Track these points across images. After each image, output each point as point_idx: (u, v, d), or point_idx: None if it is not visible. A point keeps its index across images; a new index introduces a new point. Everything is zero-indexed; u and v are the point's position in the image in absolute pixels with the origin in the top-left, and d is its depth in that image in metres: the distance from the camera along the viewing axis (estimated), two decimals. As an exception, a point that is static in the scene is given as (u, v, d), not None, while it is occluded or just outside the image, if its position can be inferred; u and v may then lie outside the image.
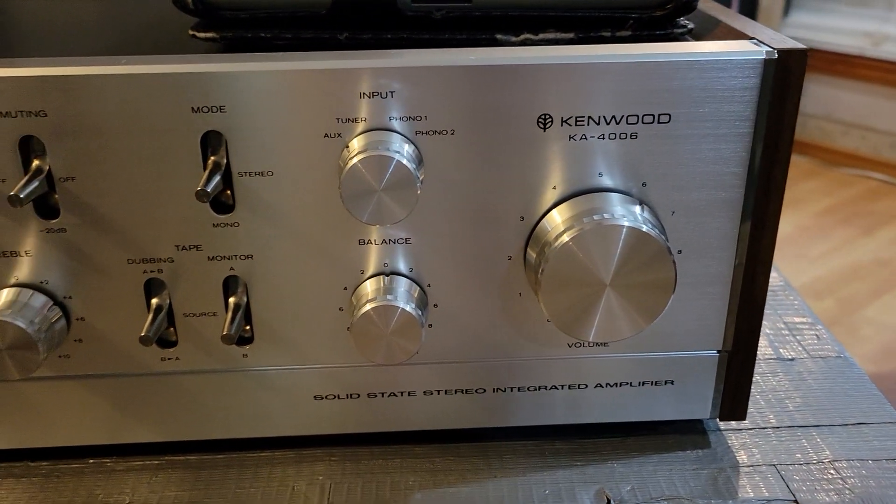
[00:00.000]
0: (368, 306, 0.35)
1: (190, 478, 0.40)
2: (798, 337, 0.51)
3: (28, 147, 0.34)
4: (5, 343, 0.34)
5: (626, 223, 0.33)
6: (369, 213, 0.32)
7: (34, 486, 0.39)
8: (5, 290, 0.36)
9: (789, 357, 0.49)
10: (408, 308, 0.35)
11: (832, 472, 0.40)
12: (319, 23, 0.37)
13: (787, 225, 2.14)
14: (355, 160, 0.32)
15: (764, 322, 0.51)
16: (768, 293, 0.38)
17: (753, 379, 0.45)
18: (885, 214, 2.28)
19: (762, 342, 0.50)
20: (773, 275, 0.56)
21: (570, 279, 0.34)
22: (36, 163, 0.34)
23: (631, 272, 0.34)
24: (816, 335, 0.51)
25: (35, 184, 0.33)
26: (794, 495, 0.38)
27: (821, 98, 2.58)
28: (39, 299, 0.36)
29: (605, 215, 0.34)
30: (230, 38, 0.37)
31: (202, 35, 0.37)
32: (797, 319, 0.52)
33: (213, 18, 0.37)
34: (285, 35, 0.37)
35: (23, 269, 0.36)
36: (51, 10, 0.47)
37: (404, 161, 0.32)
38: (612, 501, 0.38)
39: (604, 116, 0.34)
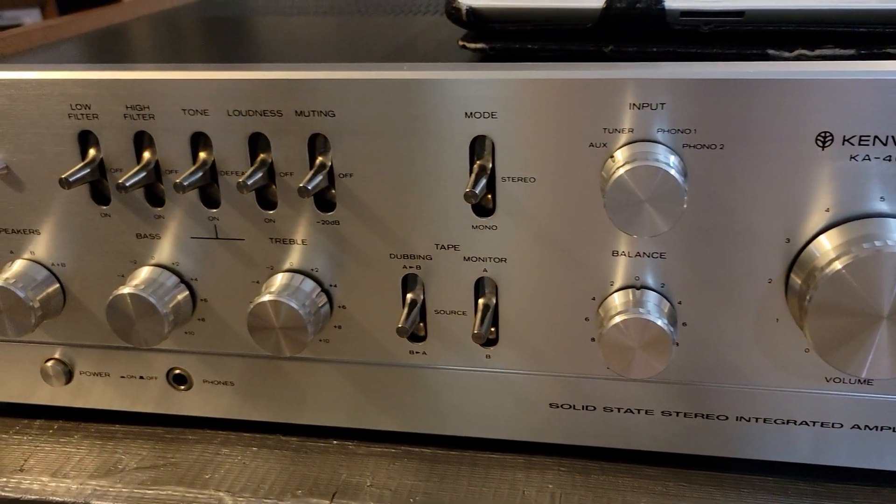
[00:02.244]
0: (619, 318, 0.35)
1: (425, 469, 0.41)
2: None
3: (314, 145, 0.37)
4: (279, 322, 0.37)
5: (906, 252, 0.31)
6: (632, 224, 0.32)
7: (286, 458, 0.42)
8: (281, 274, 0.39)
9: None
10: (660, 323, 0.34)
11: None
12: (584, 35, 0.38)
13: None
14: (622, 170, 0.32)
15: None
16: None
17: None
18: None
19: None
20: None
21: (841, 309, 0.32)
22: (320, 159, 0.37)
23: (911, 306, 0.31)
24: None
25: (319, 178, 0.36)
26: None
27: None
28: (309, 284, 0.39)
29: (886, 242, 0.31)
30: (498, 48, 0.38)
31: (472, 45, 0.39)
32: None
33: (483, 30, 0.39)
34: (551, 46, 0.38)
35: (297, 256, 0.39)
36: (322, 26, 0.51)
37: (672, 172, 0.32)
38: (865, 553, 0.35)
39: (892, 137, 0.32)
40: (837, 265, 0.32)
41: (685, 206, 0.32)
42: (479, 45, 0.39)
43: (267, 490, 0.40)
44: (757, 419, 0.38)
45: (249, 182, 0.36)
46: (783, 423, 0.38)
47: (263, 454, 0.43)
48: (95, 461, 0.43)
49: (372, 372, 0.41)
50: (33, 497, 0.41)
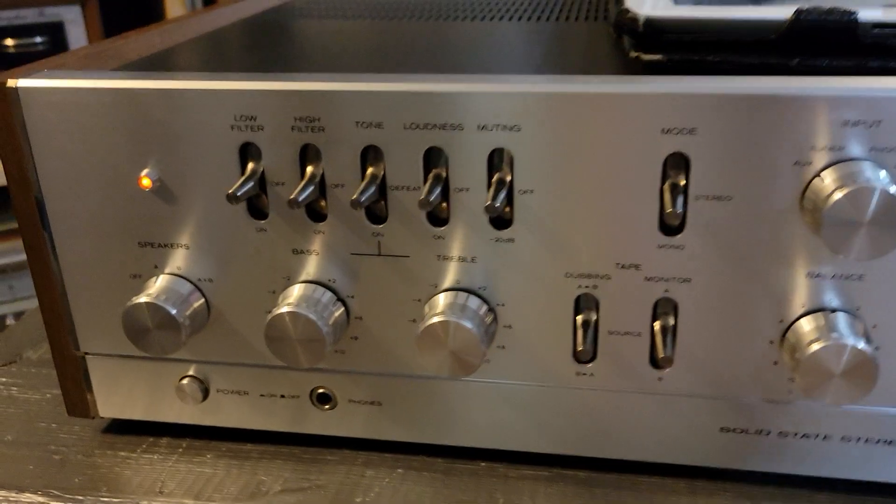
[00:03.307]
0: (818, 345, 0.33)
1: (584, 492, 0.40)
2: None
3: (492, 160, 0.35)
4: (451, 343, 0.36)
5: None
6: (853, 248, 0.31)
7: (436, 480, 0.41)
8: (445, 293, 0.37)
9: None
10: (861, 347, 0.33)
11: None
12: (766, 48, 0.36)
13: None
14: (842, 191, 0.31)
15: None
16: None
17: None
18: None
19: None
20: None
21: None
22: (497, 175, 0.35)
23: None
24: None
25: (500, 195, 0.34)
26: None
27: None
28: (475, 302, 0.37)
29: None
30: (677, 60, 0.37)
31: (647, 57, 0.37)
32: None
33: (657, 41, 0.37)
34: (733, 59, 0.37)
35: (464, 274, 0.37)
36: (451, 31, 0.50)
37: (893, 192, 0.30)
38: None
39: None
40: None
41: (905, 227, 0.31)
42: (656, 57, 0.37)
43: (424, 515, 0.39)
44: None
45: (431, 199, 0.34)
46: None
47: (411, 476, 0.42)
48: (237, 483, 0.42)
49: (532, 393, 0.40)
50: (179, 522, 0.40)
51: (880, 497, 0.39)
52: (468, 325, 0.36)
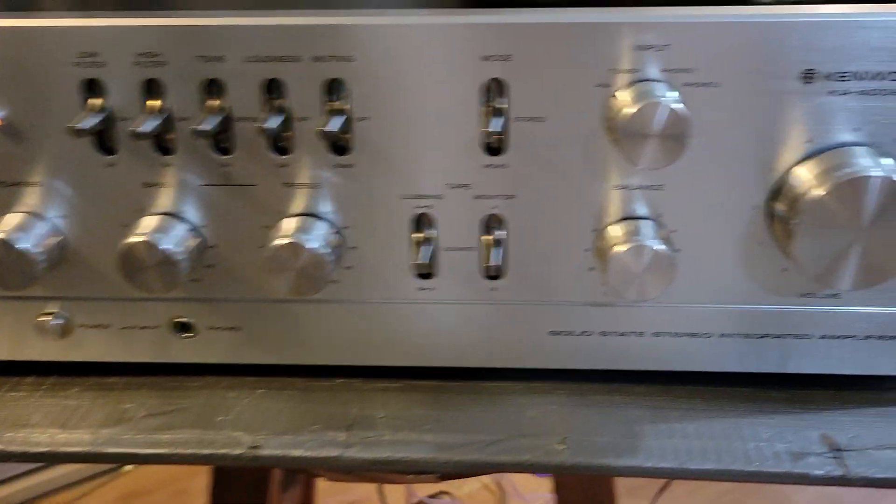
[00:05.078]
0: (621, 248, 0.38)
1: (430, 400, 0.44)
2: None
3: (331, 90, 0.38)
4: (299, 263, 0.39)
5: (882, 174, 0.35)
6: (642, 158, 0.35)
7: (295, 398, 0.44)
8: (295, 218, 0.40)
9: None
10: (657, 248, 0.38)
11: None
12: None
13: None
14: (633, 107, 0.35)
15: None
16: None
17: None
18: None
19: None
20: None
21: (823, 231, 0.36)
22: (336, 104, 0.38)
23: (888, 224, 0.36)
24: None
25: (336, 121, 0.37)
26: None
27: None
28: (323, 226, 0.40)
29: (861, 167, 0.36)
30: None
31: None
32: None
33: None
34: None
35: (309, 200, 0.40)
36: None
37: (679, 108, 0.35)
38: (835, 445, 0.40)
39: (868, 72, 0.36)
40: (820, 191, 0.36)
41: (691, 140, 0.35)
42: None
43: (283, 427, 0.42)
44: (739, 335, 0.42)
45: (270, 126, 0.37)
46: (759, 337, 0.42)
47: (271, 395, 0.44)
48: (102, 411, 0.43)
49: (380, 310, 0.43)
50: (44, 449, 0.41)
51: (692, 385, 0.44)
52: (310, 244, 0.38)
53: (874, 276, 0.36)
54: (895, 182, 0.35)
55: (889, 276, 0.37)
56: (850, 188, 0.35)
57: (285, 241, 0.38)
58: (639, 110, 0.35)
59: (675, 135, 0.35)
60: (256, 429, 0.42)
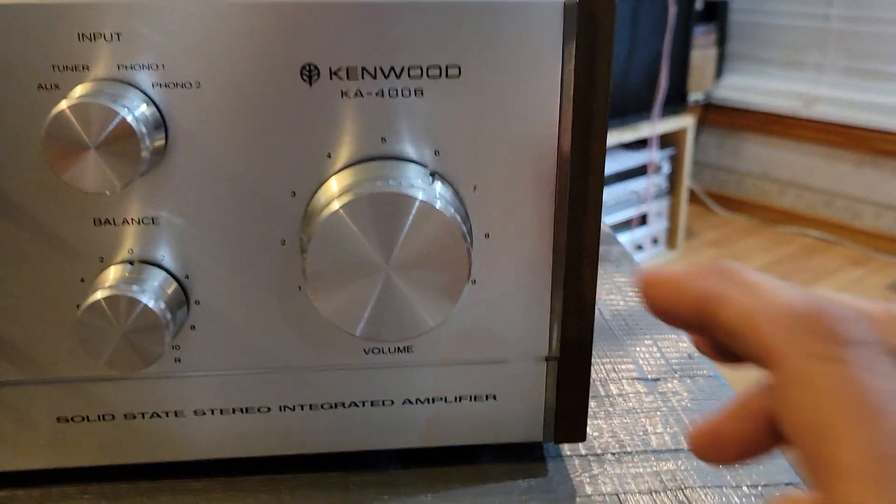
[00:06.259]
0: (99, 294, 0.28)
1: None
2: (668, 355, 0.45)
3: None
4: None
5: (409, 192, 0.28)
6: (79, 178, 0.26)
7: None
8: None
9: (654, 377, 0.43)
10: (151, 304, 0.29)
11: (683, 500, 0.34)
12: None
13: (724, 280, 2.10)
14: (63, 105, 0.26)
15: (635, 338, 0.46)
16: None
17: (615, 399, 0.39)
18: (821, 270, 2.27)
19: (629, 362, 0.44)
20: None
21: (341, 259, 0.28)
22: None
23: (415, 253, 0.28)
24: (689, 354, 0.45)
25: None
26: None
27: (758, 157, 2.60)
28: None
29: (387, 182, 0.28)
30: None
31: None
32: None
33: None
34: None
35: None
36: None
37: (123, 112, 0.26)
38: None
39: (380, 68, 0.29)
40: (335, 205, 0.28)
41: (145, 155, 0.27)
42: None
43: None
44: (303, 406, 0.33)
45: None
46: (331, 406, 0.33)
47: None
48: None
49: None
50: None
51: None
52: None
53: (399, 322, 0.28)
54: (424, 205, 0.28)
55: (417, 327, 0.29)
56: (367, 207, 0.28)
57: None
58: (66, 109, 0.26)
59: (118, 147, 0.26)
60: None
